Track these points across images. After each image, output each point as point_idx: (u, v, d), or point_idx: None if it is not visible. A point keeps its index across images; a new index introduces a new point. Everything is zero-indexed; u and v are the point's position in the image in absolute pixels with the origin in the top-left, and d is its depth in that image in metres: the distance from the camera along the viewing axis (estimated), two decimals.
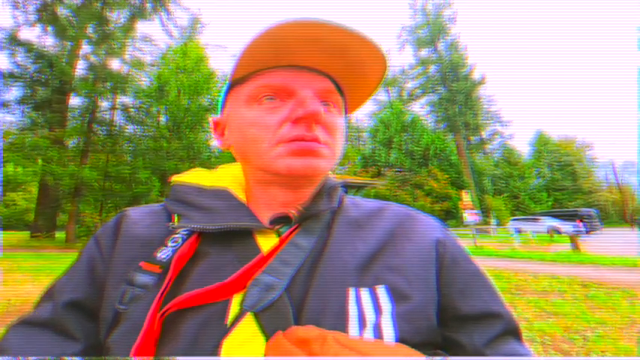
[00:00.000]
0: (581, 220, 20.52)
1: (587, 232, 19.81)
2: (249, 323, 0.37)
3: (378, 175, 24.92)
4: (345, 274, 0.42)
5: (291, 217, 0.47)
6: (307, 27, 0.41)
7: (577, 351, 3.14)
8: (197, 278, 0.41)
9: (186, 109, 18.70)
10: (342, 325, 0.37)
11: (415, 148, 25.66)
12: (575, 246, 10.12)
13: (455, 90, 28.83)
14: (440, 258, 0.47)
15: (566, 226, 18.07)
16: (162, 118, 20.01)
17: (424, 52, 31.59)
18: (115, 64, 17.29)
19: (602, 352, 3.07)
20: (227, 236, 0.45)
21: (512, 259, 8.93)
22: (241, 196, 0.52)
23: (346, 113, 0.54)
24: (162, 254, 0.44)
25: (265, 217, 0.49)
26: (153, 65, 19.02)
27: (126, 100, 18.34)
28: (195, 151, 18.96)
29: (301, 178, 0.46)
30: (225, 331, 0.37)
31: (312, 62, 0.46)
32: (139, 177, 16.82)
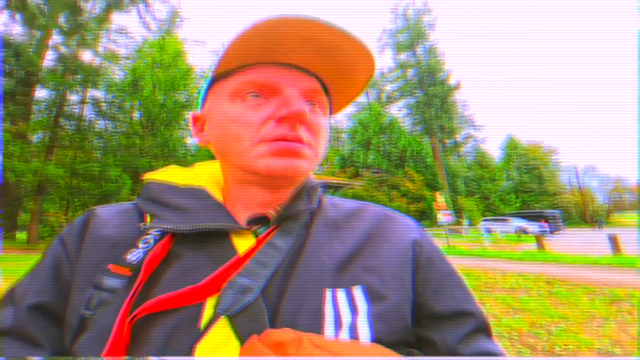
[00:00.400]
0: (546, 221, 21.65)
1: (552, 232, 20.88)
2: (223, 327, 0.36)
3: (356, 175, 25.14)
4: (322, 275, 0.41)
5: (269, 217, 0.46)
6: (297, 24, 0.40)
7: (542, 345, 3.28)
8: (169, 281, 0.40)
9: (162, 105, 18.09)
10: (317, 326, 0.37)
11: (393, 149, 26.12)
12: (541, 245, 10.63)
13: (432, 94, 29.56)
14: (416, 258, 0.47)
15: (533, 227, 19.00)
16: (136, 114, 19.24)
17: (403, 56, 32.20)
18: (86, 56, 16.47)
19: (564, 345, 3.22)
20: (202, 237, 0.44)
21: (482, 258, 9.27)
22: (218, 195, 0.50)
23: (330, 114, 0.53)
24: (133, 256, 0.42)
25: (243, 217, 0.47)
26: (128, 58, 18.27)
27: (97, 94, 17.50)
28: (171, 148, 18.37)
29: (281, 179, 0.45)
30: (199, 335, 0.36)
31: (300, 60, 0.45)
32: (109, 175, 16.08)
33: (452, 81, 30.62)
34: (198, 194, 0.49)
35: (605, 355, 2.68)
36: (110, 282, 0.40)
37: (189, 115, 0.55)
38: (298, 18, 0.39)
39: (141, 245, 0.43)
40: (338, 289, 0.40)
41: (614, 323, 3.74)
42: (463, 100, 32.58)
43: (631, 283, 5.61)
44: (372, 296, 0.41)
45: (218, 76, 0.48)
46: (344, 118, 34.80)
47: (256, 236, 0.45)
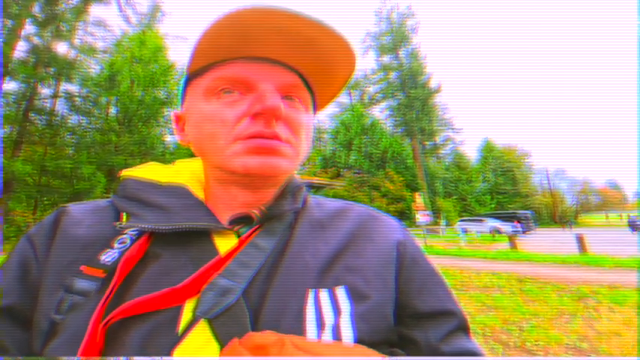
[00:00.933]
0: (518, 221, 22.52)
1: (524, 232, 21.71)
2: (202, 330, 0.35)
3: (338, 176, 25.24)
4: (305, 276, 0.41)
5: (252, 217, 0.44)
6: (271, 15, 0.38)
7: (514, 341, 3.37)
8: (146, 283, 0.38)
9: (140, 101, 17.48)
10: (299, 327, 0.36)
11: (374, 150, 26.35)
12: (513, 245, 11.01)
13: (413, 96, 29.94)
14: (400, 258, 0.47)
15: (506, 227, 19.67)
16: (112, 110, 18.45)
17: (386, 59, 32.39)
18: (61, 48, 15.65)
19: (535, 341, 3.32)
20: (182, 237, 0.42)
21: (458, 258, 9.51)
22: (200, 194, 0.48)
23: (315, 111, 0.52)
24: (107, 257, 0.40)
25: (225, 216, 0.46)
26: (105, 52, 17.45)
27: (71, 88, 16.66)
28: (148, 146, 17.76)
29: (260, 178, 0.43)
30: (177, 339, 0.34)
31: (276, 54, 0.43)
32: (82, 172, 15.35)
33: (432, 84, 31.18)
34: (179, 192, 0.47)
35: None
36: (82, 284, 0.38)
37: (171, 114, 0.52)
38: (270, 9, 0.37)
39: (116, 245, 0.41)
40: (321, 290, 0.40)
41: (581, 319, 3.90)
42: (443, 104, 33.22)
43: (596, 280, 5.88)
44: (355, 296, 0.40)
45: (193, 74, 0.46)
46: (326, 118, 34.87)
47: (239, 236, 0.44)
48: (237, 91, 0.43)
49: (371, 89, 34.66)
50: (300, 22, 0.39)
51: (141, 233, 0.42)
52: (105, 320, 0.34)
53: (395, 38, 31.41)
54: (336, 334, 0.37)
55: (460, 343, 0.43)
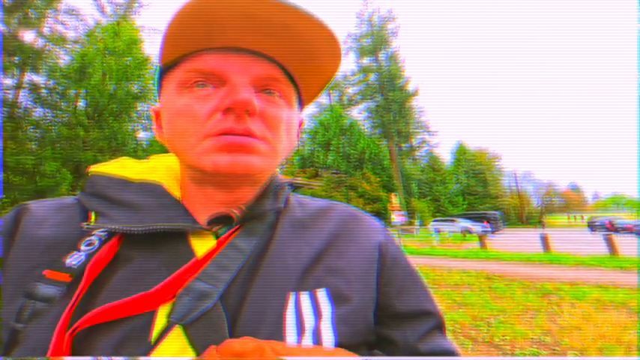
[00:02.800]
0: (488, 222, 23.44)
1: (493, 232, 22.62)
2: (177, 338, 0.33)
3: (316, 176, 25.21)
4: (286, 278, 0.39)
5: (232, 217, 0.42)
6: (243, 2, 0.35)
7: (482, 337, 3.43)
8: (116, 288, 0.36)
9: (112, 94, 16.62)
10: (279, 332, 0.35)
11: (352, 151, 26.52)
12: (483, 244, 11.40)
13: (391, 99, 30.46)
14: (382, 259, 0.46)
15: (476, 227, 20.38)
16: (81, 103, 17.45)
17: (366, 61, 32.71)
18: (28, 37, 14.59)
19: (502, 336, 3.40)
20: (156, 239, 0.39)
21: (431, 257, 9.74)
22: (176, 192, 0.45)
23: (301, 105, 0.49)
24: (73, 260, 0.37)
25: (202, 217, 0.43)
26: (76, 42, 16.46)
27: (36, 78, 15.58)
28: (119, 142, 16.94)
29: (232, 177, 0.41)
30: (149, 348, 0.33)
31: (251, 44, 0.39)
32: (45, 169, 14.42)
33: (410, 87, 31.79)
34: (153, 190, 0.44)
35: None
36: (45, 290, 0.35)
37: (150, 110, 0.49)
38: None
39: (83, 247, 0.38)
40: (302, 293, 0.39)
41: (545, 314, 4.04)
42: (419, 107, 33.98)
43: (558, 277, 6.16)
44: (336, 299, 0.40)
45: (165, 67, 0.43)
46: (305, 118, 34.83)
47: (217, 237, 0.42)
48: (211, 85, 0.40)
49: (350, 90, 34.91)
50: (272, 7, 0.35)
51: (111, 234, 0.39)
52: (71, 328, 0.32)
53: (375, 41, 31.79)
54: (317, 338, 0.36)
55: (437, 342, 0.43)
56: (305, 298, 0.38)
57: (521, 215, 42.28)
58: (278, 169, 0.51)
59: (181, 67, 0.40)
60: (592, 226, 27.38)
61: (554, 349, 3.10)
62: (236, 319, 0.35)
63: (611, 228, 23.51)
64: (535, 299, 4.72)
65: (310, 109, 34.89)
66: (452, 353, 0.43)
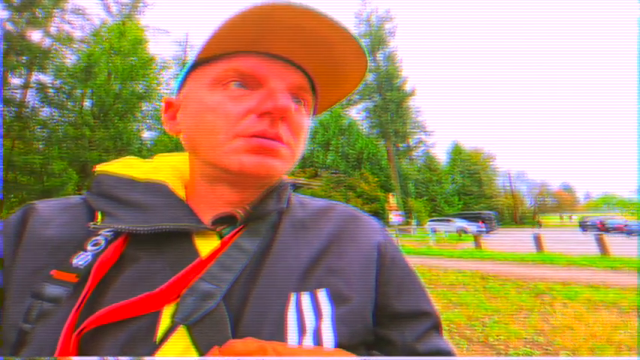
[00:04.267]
0: (483, 222, 23.50)
1: (488, 232, 22.67)
2: (181, 338, 0.33)
3: (315, 175, 25.21)
4: (288, 279, 0.39)
5: (237, 217, 0.42)
6: (290, 12, 0.37)
7: (477, 336, 3.47)
8: (122, 288, 0.35)
9: (117, 94, 16.53)
10: (281, 332, 0.35)
11: (350, 151, 26.55)
12: (478, 244, 11.45)
13: (388, 99, 30.45)
14: (381, 259, 0.46)
15: (472, 227, 20.43)
16: (87, 103, 17.31)
17: None
18: (35, 36, 14.44)
19: (497, 335, 3.43)
20: (161, 238, 0.39)
21: (427, 256, 9.78)
22: (181, 192, 0.45)
23: (315, 113, 0.50)
24: (80, 260, 0.37)
25: (207, 216, 0.43)
26: (82, 42, 16.30)
27: (43, 78, 15.44)
28: (124, 141, 16.84)
29: (253, 178, 0.41)
30: (154, 348, 0.33)
31: (290, 53, 0.41)
32: (52, 168, 14.33)
33: (407, 87, 31.78)
34: (158, 190, 0.44)
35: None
36: (53, 290, 0.34)
37: (163, 100, 0.49)
38: (291, 6, 0.36)
39: (90, 247, 0.38)
40: (302, 293, 0.39)
41: (538, 314, 4.08)
42: (416, 107, 33.94)
43: (551, 277, 6.21)
44: (336, 299, 0.39)
45: (201, 61, 0.43)
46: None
47: (221, 237, 0.42)
48: (247, 86, 0.40)
49: None
50: (315, 20, 0.37)
51: (117, 234, 0.39)
52: (78, 329, 0.31)
53: (373, 41, 31.72)
54: (317, 339, 0.36)
55: (434, 342, 0.43)
56: (306, 298, 0.38)
57: (514, 215, 42.46)
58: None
59: (219, 64, 0.41)
60: (583, 226, 27.52)
61: (546, 349, 3.15)
62: (239, 320, 0.35)
63: (602, 228, 23.65)
64: (528, 299, 4.77)
65: None
66: (448, 353, 0.44)
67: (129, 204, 0.42)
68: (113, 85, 16.78)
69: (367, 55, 0.42)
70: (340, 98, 0.49)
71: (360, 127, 30.44)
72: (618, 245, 10.26)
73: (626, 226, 21.49)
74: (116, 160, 0.49)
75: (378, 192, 22.90)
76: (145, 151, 17.51)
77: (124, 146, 16.78)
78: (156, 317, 0.34)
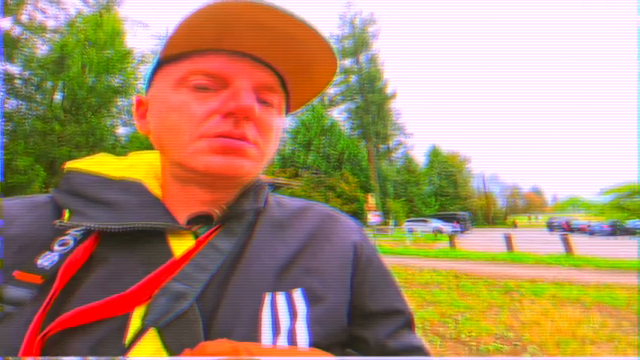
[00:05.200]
0: (457, 222, 24.22)
1: (462, 232, 23.39)
2: (151, 340, 0.32)
3: (296, 175, 25.05)
4: (263, 279, 0.39)
5: (213, 216, 0.42)
6: (254, 10, 0.36)
7: (450, 333, 3.52)
8: (91, 289, 0.34)
9: (91, 88, 15.68)
10: (255, 333, 0.35)
11: (332, 151, 26.58)
12: (452, 244, 11.73)
13: (370, 101, 30.77)
14: (356, 259, 0.46)
15: (447, 227, 20.99)
16: (58, 96, 16.37)
17: (347, 62, 32.79)
18: (4, 24, 13.47)
19: (468, 332, 3.49)
20: (133, 238, 0.38)
21: (404, 256, 9.93)
22: (156, 190, 0.44)
23: (287, 112, 0.49)
24: (46, 260, 0.35)
25: (182, 216, 0.42)
26: (56, 32, 15.41)
27: (11, 68, 14.43)
28: (97, 137, 16.05)
29: (221, 179, 0.40)
30: (123, 351, 0.32)
31: (258, 51, 0.40)
32: (17, 164, 13.43)
33: (389, 90, 32.23)
34: (133, 188, 0.42)
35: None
36: (15, 292, 0.33)
37: (134, 97, 0.47)
38: (255, 3, 0.35)
39: (57, 247, 0.36)
40: (278, 293, 0.38)
41: (507, 311, 4.20)
42: (397, 109, 34.52)
43: (520, 275, 6.44)
44: (311, 299, 0.39)
45: (165, 59, 0.41)
46: (288, 118, 34.55)
47: (196, 237, 0.41)
48: (211, 86, 0.39)
49: (332, 91, 34.97)
50: (281, 18, 0.36)
51: (86, 234, 0.37)
52: (43, 332, 0.30)
53: (356, 43, 31.94)
54: (292, 339, 0.36)
55: (406, 339, 0.44)
56: (281, 298, 0.38)
57: (487, 216, 44.04)
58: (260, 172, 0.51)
59: (183, 63, 0.39)
60: (550, 227, 28.95)
61: (515, 344, 3.23)
62: (212, 320, 0.34)
63: (567, 228, 24.95)
64: (498, 296, 4.91)
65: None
66: (420, 349, 0.44)
67: (100, 202, 0.40)
68: (87, 78, 15.92)
69: (336, 52, 0.40)
70: (313, 96, 0.48)
71: (342, 128, 30.54)
72: (582, 245, 10.80)
73: (589, 226, 22.74)
74: (88, 157, 0.47)
75: (358, 192, 23.03)
76: (119, 148, 16.79)
77: (96, 142, 15.99)
78: (126, 319, 0.33)
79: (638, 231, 20.51)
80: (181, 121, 0.38)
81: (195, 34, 0.37)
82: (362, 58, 32.24)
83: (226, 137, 0.38)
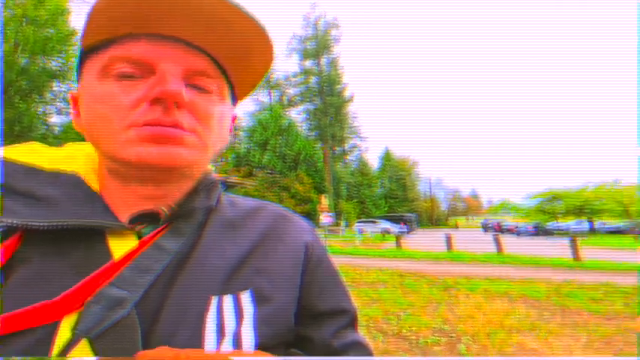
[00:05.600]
0: (404, 223, 25.49)
1: (408, 232, 24.62)
2: (82, 352, 0.29)
3: (250, 175, 24.41)
4: (210, 281, 0.37)
5: (160, 214, 0.39)
6: None
7: (392, 329, 3.60)
8: (13, 295, 0.30)
9: (22, 69, 13.78)
10: (198, 337, 0.33)
11: (288, 152, 26.39)
12: (399, 244, 12.24)
13: (328, 103, 31.09)
14: (307, 259, 0.46)
15: (394, 228, 21.96)
16: None
17: (308, 63, 32.79)
18: None
19: (409, 327, 3.61)
20: (66, 238, 0.34)
21: (353, 256, 10.12)
22: (95, 185, 0.40)
23: (235, 100, 0.46)
24: None
25: (125, 214, 0.38)
26: None
27: None
28: (25, 125, 14.11)
29: (159, 171, 0.37)
30: None
31: (187, 34, 0.36)
32: None
33: (347, 93, 32.71)
34: (68, 182, 0.38)
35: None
36: None
37: (69, 94, 0.44)
38: None
39: None
40: (225, 295, 0.37)
41: (445, 306, 4.44)
42: (354, 112, 35.23)
43: (457, 273, 6.90)
44: (259, 299, 0.38)
45: (87, 50, 0.38)
46: (244, 116, 33.52)
47: (140, 237, 0.37)
48: (137, 73, 0.36)
49: (291, 91, 34.72)
50: (213, 1, 0.35)
51: (9, 231, 0.33)
52: None
53: (318, 45, 32.04)
54: (237, 342, 0.35)
55: (349, 337, 0.44)
56: (228, 301, 0.36)
57: (431, 217, 47.08)
58: (212, 167, 0.48)
59: (107, 52, 0.36)
60: (485, 228, 31.82)
61: (451, 336, 3.40)
62: (154, 326, 0.32)
63: (499, 229, 27.53)
64: (438, 292, 5.19)
65: (250, 107, 33.77)
66: (361, 346, 0.45)
67: (30, 196, 0.35)
68: (19, 58, 13.99)
69: (269, 36, 0.38)
70: (253, 84, 0.45)
71: (300, 129, 30.48)
72: (510, 244, 11.91)
73: (516, 227, 25.40)
74: (18, 145, 0.42)
75: (312, 193, 23.11)
76: (50, 138, 14.89)
77: (23, 131, 14.04)
78: (53, 329, 0.29)
79: (555, 232, 23.37)
80: (108, 112, 0.35)
81: (113, 19, 0.34)
82: (323, 60, 32.46)
83: (156, 125, 0.35)
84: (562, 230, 23.72)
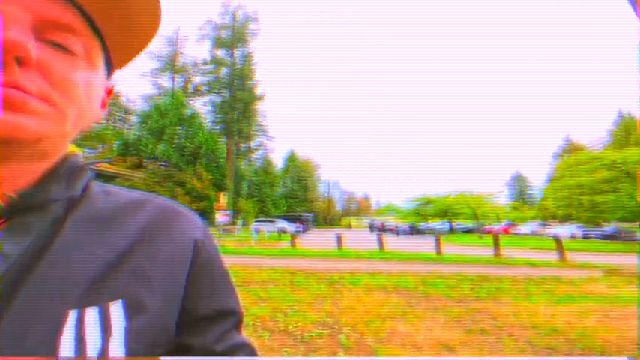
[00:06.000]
0: (301, 222, 26.39)
1: (304, 232, 25.57)
2: None
3: (139, 167, 21.31)
4: (68, 291, 0.30)
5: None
6: None
7: (279, 326, 3.58)
8: None
9: None
10: None
11: (187, 144, 24.12)
12: (293, 243, 12.56)
13: (238, 98, 29.73)
14: (195, 258, 0.40)
15: (291, 227, 22.53)
16: None
17: (220, 53, 30.70)
18: None
19: (295, 323, 3.64)
20: None
21: (247, 256, 9.84)
22: None
23: (111, 69, 0.38)
24: None
25: None
26: None
27: None
28: None
29: None
30: None
31: None
32: None
33: (258, 90, 31.86)
34: None
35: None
36: None
37: None
38: None
39: None
40: (88, 308, 0.30)
41: (330, 300, 4.68)
42: (263, 111, 34.56)
43: (344, 269, 7.44)
44: (133, 309, 0.32)
45: None
46: (139, 98, 29.15)
47: None
48: None
49: (198, 79, 31.93)
50: None
51: None
52: None
53: (234, 35, 30.31)
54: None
55: (232, 340, 0.41)
56: (92, 314, 0.30)
57: (327, 217, 50.20)
58: (81, 151, 0.39)
59: None
60: (371, 227, 35.62)
61: (333, 328, 3.58)
62: None
63: (382, 229, 31.20)
64: (325, 288, 5.46)
65: (148, 89, 29.60)
66: (245, 346, 0.42)
67: None
68: None
69: (159, 4, 0.34)
70: (135, 51, 0.37)
71: (203, 121, 28.24)
72: (391, 242, 13.57)
73: (396, 227, 29.39)
74: None
75: (210, 190, 21.65)
76: None
77: None
78: None
79: (426, 231, 27.94)
80: None
81: None
82: (237, 52, 30.91)
83: None
84: (430, 230, 28.41)
